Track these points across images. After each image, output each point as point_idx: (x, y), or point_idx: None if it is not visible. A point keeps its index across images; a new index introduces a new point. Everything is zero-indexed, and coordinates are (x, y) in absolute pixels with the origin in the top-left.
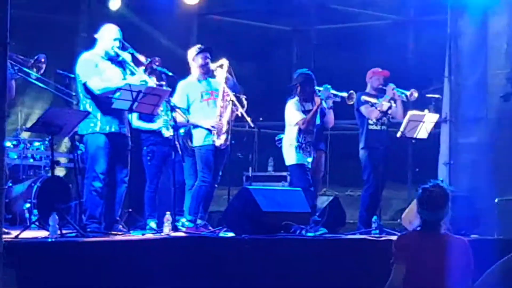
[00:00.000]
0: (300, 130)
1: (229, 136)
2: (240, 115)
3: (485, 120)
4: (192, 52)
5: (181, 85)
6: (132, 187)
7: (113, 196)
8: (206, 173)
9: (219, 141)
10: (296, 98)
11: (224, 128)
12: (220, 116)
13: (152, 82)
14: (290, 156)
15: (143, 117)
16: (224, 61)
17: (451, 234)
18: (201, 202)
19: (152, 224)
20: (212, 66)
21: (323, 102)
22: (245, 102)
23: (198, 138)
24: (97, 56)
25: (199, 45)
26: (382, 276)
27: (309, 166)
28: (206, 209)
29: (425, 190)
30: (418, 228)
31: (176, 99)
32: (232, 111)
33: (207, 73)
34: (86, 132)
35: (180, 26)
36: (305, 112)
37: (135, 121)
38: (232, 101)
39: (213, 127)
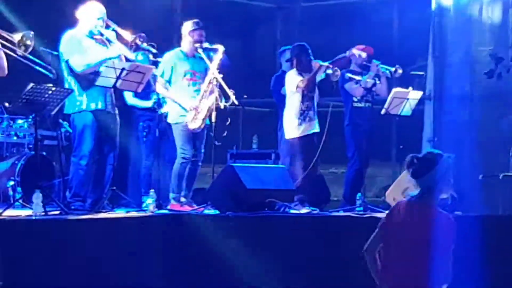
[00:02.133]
0: (302, 96)
1: (205, 123)
2: (222, 107)
3: (469, 97)
4: (188, 25)
5: (168, 56)
6: (116, 165)
7: (101, 173)
8: (185, 149)
9: (193, 125)
10: (294, 69)
11: (202, 114)
12: (201, 100)
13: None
14: (292, 127)
15: (138, 94)
16: (220, 47)
17: (439, 210)
18: (183, 179)
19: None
20: (206, 45)
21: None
22: (232, 97)
23: (175, 114)
24: (81, 34)
25: (196, 20)
26: None
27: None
28: (190, 187)
29: (412, 157)
30: (410, 197)
31: (160, 70)
32: (216, 100)
33: (196, 51)
34: (72, 111)
35: (163, 3)
36: None
37: (130, 99)
38: (218, 87)
39: (191, 108)
